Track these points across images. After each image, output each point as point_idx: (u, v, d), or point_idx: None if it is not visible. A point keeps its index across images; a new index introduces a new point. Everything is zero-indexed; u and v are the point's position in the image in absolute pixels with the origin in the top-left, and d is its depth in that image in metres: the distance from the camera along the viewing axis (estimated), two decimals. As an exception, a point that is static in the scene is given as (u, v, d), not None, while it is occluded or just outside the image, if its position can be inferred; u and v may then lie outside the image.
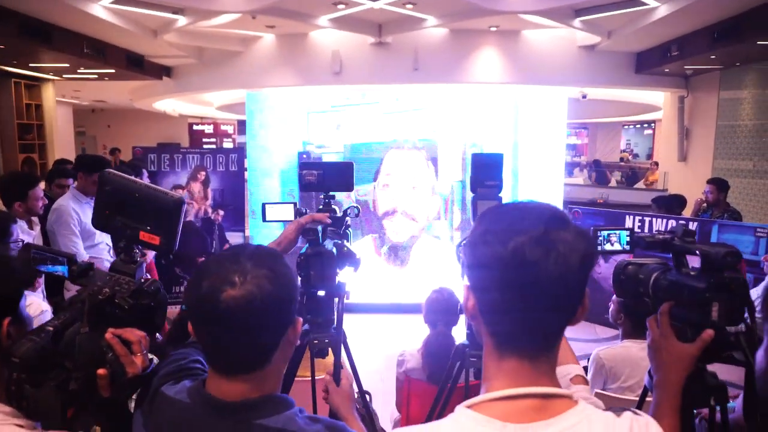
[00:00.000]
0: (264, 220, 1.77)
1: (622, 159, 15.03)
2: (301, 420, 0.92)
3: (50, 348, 0.95)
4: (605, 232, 1.32)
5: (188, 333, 2.42)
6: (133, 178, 1.12)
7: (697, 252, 1.20)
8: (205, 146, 12.72)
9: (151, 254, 4.37)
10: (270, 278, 0.88)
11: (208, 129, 13.78)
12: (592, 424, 0.73)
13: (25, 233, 3.18)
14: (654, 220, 5.03)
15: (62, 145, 9.71)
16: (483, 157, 1.39)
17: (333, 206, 1.75)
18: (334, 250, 1.53)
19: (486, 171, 1.37)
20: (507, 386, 0.74)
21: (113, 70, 7.18)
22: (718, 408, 1.32)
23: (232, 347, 0.89)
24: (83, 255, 3.40)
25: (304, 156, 5.66)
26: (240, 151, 6.06)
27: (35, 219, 3.41)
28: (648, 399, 1.60)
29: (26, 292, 2.70)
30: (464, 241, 1.64)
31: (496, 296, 0.74)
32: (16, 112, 7.70)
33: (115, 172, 1.13)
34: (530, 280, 0.71)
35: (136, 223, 1.09)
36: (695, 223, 4.76)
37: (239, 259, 0.90)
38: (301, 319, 0.98)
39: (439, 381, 2.47)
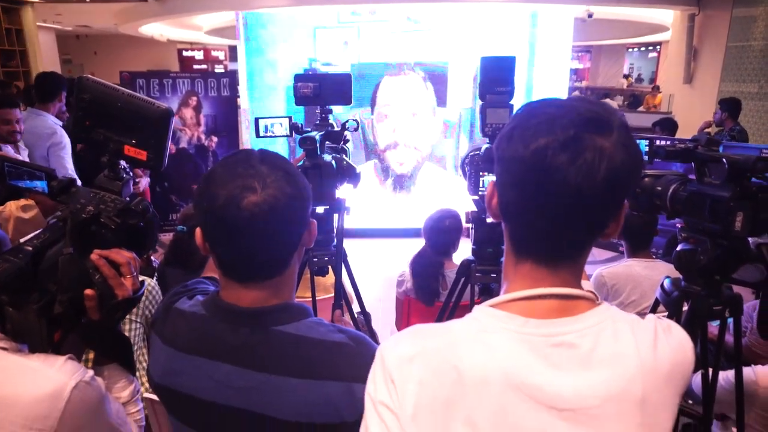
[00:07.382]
0: (258, 135, 1.67)
1: (624, 84, 14.70)
2: (323, 328, 0.90)
3: (30, 269, 0.88)
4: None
5: (186, 254, 2.35)
6: (114, 85, 1.01)
7: (723, 159, 1.13)
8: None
9: (144, 182, 4.29)
10: (288, 180, 0.85)
11: (199, 55, 13.27)
12: (616, 323, 0.70)
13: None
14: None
15: (48, 73, 9.37)
16: (493, 61, 1.27)
17: (330, 120, 1.65)
18: (334, 163, 1.45)
19: (496, 75, 1.25)
20: (526, 288, 0.71)
21: (94, -10, 6.81)
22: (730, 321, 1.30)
23: (253, 254, 0.86)
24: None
25: (310, 73, 5.41)
26: (232, 75, 5.78)
27: (22, 145, 3.28)
28: (658, 314, 1.59)
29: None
30: (471, 153, 1.57)
31: (515, 198, 0.70)
32: (-4, 37, 7.39)
33: (94, 78, 1.02)
34: (549, 187, 0.64)
35: (119, 136, 0.99)
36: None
37: (252, 163, 0.85)
38: (315, 222, 0.94)
39: (425, 297, 2.50)
